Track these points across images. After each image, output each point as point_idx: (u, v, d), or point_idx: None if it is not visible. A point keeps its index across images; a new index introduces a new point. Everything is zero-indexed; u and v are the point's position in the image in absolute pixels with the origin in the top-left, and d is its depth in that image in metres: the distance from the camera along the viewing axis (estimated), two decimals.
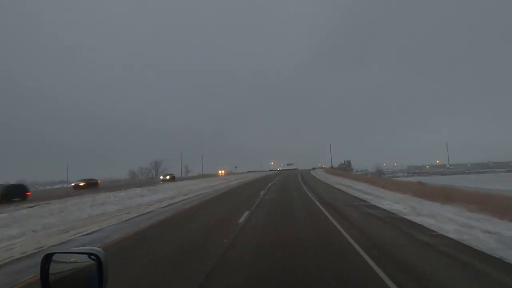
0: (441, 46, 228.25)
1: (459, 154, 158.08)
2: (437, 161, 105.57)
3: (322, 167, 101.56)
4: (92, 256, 1.23)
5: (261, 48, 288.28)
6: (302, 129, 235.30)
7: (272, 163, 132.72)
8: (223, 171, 74.99)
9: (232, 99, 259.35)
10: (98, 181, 35.61)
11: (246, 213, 9.57)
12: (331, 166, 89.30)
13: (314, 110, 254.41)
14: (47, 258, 1.26)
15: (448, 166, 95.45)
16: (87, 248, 1.27)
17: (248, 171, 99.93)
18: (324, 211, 9.47)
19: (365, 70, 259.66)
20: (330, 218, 8.11)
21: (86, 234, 7.54)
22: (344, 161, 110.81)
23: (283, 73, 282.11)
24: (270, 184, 25.84)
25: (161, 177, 48.86)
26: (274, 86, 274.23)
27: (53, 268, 1.24)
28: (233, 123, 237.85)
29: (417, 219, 7.47)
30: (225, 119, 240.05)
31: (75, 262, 1.28)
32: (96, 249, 1.26)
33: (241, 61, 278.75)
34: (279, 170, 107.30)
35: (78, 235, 7.45)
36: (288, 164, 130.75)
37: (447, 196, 10.55)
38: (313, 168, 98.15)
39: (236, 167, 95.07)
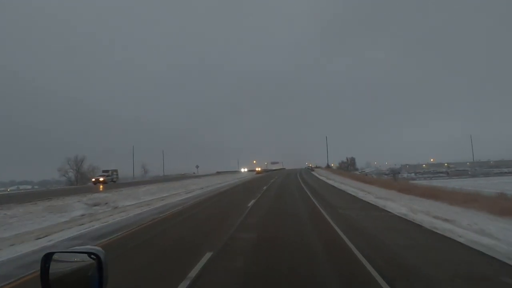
0: (442, 43, 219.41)
1: (453, 153, 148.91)
2: (431, 160, 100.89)
3: (311, 166, 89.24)
4: (92, 256, 1.23)
5: (246, 32, 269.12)
6: (289, 126, 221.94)
7: (254, 162, 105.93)
8: (101, 179, 36.77)
9: (213, 92, 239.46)
10: None
11: None
12: (328, 165, 72.20)
13: (303, 105, 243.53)
14: (47, 258, 1.26)
15: (446, 164, 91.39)
16: (87, 248, 1.28)
17: (217, 172, 73.80)
18: None
19: (358, 66, 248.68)
20: None
21: None
22: (347, 159, 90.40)
23: (269, 63, 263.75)
24: None
25: None
26: (261, 78, 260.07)
27: (53, 268, 1.25)
28: (210, 118, 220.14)
29: None
30: (201, 114, 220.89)
31: (75, 261, 1.29)
32: (96, 248, 1.27)
33: (221, 50, 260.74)
34: (257, 172, 71.87)
35: None
36: (272, 163, 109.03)
37: None
38: (310, 169, 77.04)
39: (197, 167, 67.16)
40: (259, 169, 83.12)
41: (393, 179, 36.41)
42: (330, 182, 26.80)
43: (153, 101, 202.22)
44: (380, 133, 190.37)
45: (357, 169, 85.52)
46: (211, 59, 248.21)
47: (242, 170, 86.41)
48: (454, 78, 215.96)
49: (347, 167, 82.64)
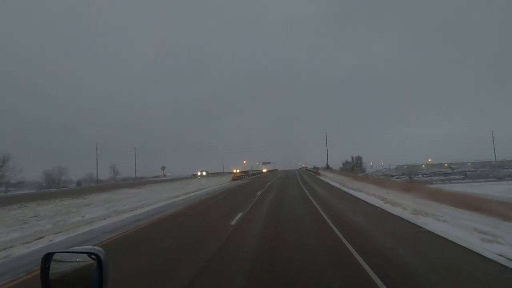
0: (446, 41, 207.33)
1: (449, 153, 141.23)
2: (429, 160, 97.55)
3: (305, 167, 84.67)
4: (92, 256, 1.24)
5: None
6: (282, 125, 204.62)
7: (244, 162, 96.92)
8: None
9: (206, 92, 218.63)
10: None
11: None
12: (327, 165, 63.08)
13: (297, 105, 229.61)
14: (47, 258, 1.27)
15: (446, 165, 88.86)
16: (87, 248, 1.29)
17: (192, 175, 61.78)
18: None
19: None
20: None
21: None
22: (353, 158, 76.27)
23: (265, 62, 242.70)
24: None
25: None
26: (256, 77, 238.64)
27: (53, 268, 1.26)
28: (201, 118, 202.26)
29: None
30: (192, 114, 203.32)
31: (75, 261, 1.30)
32: (96, 248, 1.28)
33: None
34: (234, 178, 38.76)
35: None
36: (264, 163, 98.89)
37: None
38: (315, 172, 51.00)
39: (164, 168, 53.16)
40: (237, 171, 58.44)
41: (410, 183, 31.79)
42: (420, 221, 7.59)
43: (144, 100, 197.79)
44: (374, 133, 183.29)
45: (364, 170, 75.92)
46: (207, 59, 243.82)
47: (199, 173, 55.22)
48: (451, 77, 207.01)
49: (353, 168, 70.42)
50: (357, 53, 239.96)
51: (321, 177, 34.21)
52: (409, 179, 50.25)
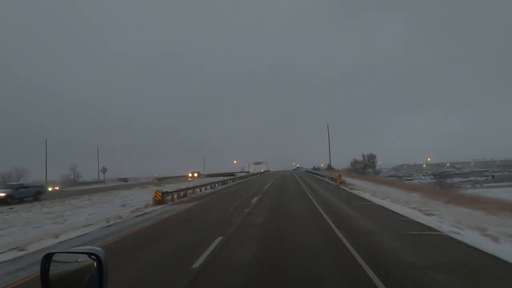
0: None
1: (446, 152, 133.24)
2: (428, 159, 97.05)
3: (298, 169, 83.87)
4: (92, 256, 1.24)
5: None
6: (276, 125, 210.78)
7: (235, 162, 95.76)
8: None
9: (198, 92, 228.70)
10: None
11: None
12: (329, 165, 55.65)
13: (292, 105, 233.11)
14: (47, 258, 1.27)
15: (448, 164, 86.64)
16: (87, 248, 1.29)
17: (157, 179, 49.49)
18: None
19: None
20: None
21: None
22: (364, 157, 59.74)
23: (259, 60, 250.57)
24: None
25: None
26: (251, 77, 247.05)
27: (53, 268, 1.26)
28: (193, 117, 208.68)
29: None
30: (184, 113, 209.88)
31: (75, 262, 1.29)
32: (96, 249, 1.27)
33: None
34: (157, 199, 14.93)
35: None
36: (255, 163, 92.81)
37: None
38: (314, 173, 45.34)
39: (104, 171, 42.28)
40: (195, 175, 45.32)
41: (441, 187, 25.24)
42: None
43: (134, 98, 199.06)
44: (372, 133, 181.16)
45: (378, 172, 63.88)
46: (195, 59, 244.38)
47: (50, 189, 33.92)
48: (450, 76, 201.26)
49: (364, 168, 57.45)
50: (357, 53, 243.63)
51: (361, 193, 15.40)
52: (440, 183, 38.73)
